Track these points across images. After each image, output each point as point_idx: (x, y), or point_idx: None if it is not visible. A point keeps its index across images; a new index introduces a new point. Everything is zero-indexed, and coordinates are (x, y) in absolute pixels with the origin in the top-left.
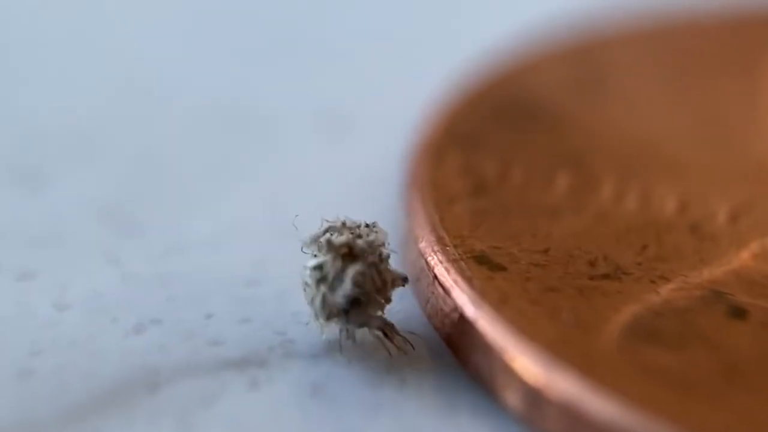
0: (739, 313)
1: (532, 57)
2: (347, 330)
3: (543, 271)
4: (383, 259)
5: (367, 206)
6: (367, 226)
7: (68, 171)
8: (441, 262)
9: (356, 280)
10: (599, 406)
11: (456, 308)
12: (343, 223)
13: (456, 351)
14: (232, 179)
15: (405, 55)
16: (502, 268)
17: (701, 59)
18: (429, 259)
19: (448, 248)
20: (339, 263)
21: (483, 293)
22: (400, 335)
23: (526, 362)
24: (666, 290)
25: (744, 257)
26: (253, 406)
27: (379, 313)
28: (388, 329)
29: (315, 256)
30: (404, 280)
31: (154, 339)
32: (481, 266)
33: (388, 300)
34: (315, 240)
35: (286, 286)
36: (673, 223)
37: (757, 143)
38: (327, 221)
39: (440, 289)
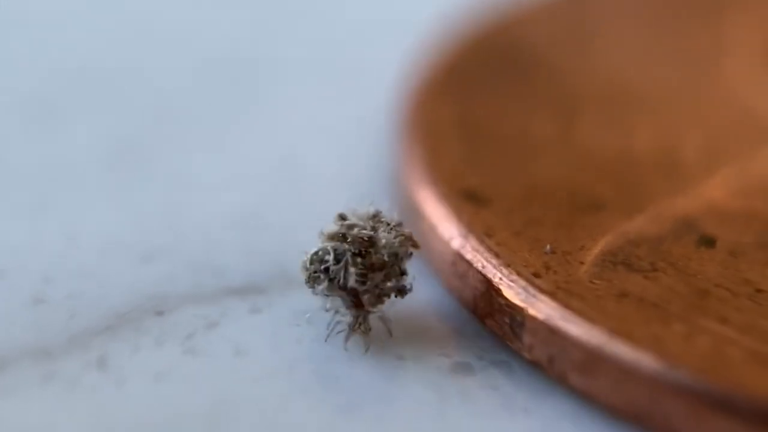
0: (708, 241)
1: (523, 8)
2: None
3: (527, 206)
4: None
5: (362, 148)
6: (388, 224)
7: (83, 110)
8: (429, 198)
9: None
10: (577, 329)
11: (444, 241)
12: (375, 215)
13: (445, 281)
14: (237, 122)
15: (395, 4)
16: (488, 203)
17: (674, 8)
18: (418, 195)
19: (436, 184)
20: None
21: (470, 226)
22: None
23: (509, 290)
24: (640, 221)
25: (714, 188)
26: (253, 329)
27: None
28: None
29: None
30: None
31: (161, 269)
32: (468, 201)
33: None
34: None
35: (286, 222)
36: (648, 158)
37: (722, 80)
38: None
39: (429, 224)
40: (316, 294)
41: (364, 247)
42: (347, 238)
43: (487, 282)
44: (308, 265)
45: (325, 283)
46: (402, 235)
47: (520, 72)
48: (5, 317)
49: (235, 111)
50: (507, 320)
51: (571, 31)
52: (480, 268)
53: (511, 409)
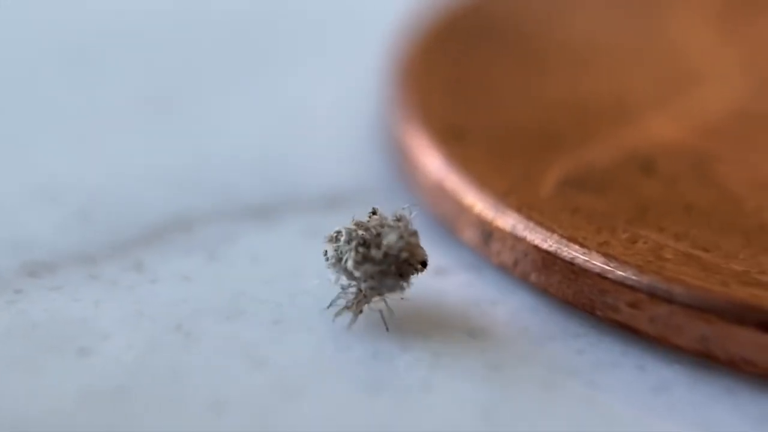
0: (649, 168)
1: None
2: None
3: (499, 141)
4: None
5: (360, 99)
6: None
7: (122, 62)
8: (417, 135)
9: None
10: (537, 236)
11: (429, 170)
12: (400, 219)
13: (427, 203)
14: (254, 74)
15: None
16: (467, 139)
17: None
18: (406, 134)
19: (423, 124)
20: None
21: (450, 157)
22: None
23: (481, 206)
24: (593, 152)
25: (655, 124)
26: (267, 243)
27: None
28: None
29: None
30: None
31: (189, 191)
32: (450, 138)
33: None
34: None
35: (297, 157)
36: (602, 101)
37: (663, 34)
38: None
39: (415, 156)
40: (328, 268)
41: (370, 239)
42: (363, 228)
43: (463, 201)
44: (326, 241)
45: (333, 259)
46: (408, 243)
47: (495, 39)
48: (56, 230)
49: (251, 64)
50: (479, 232)
51: (536, 2)
52: (458, 190)
53: (482, 303)
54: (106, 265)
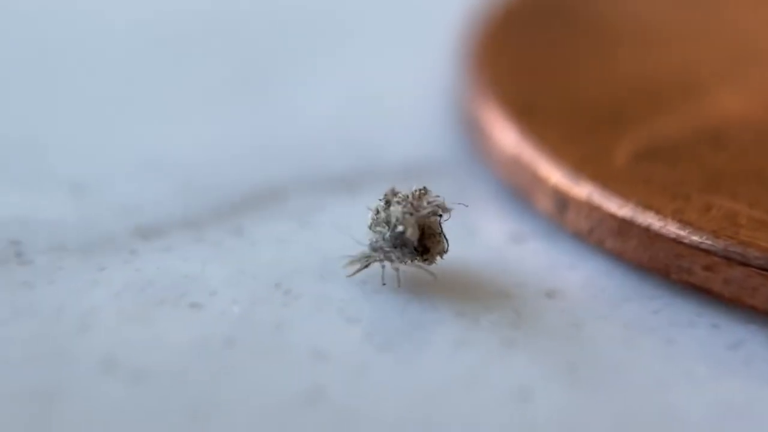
0: (720, 140)
1: None
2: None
3: (572, 117)
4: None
5: (433, 78)
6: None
7: (212, 47)
8: (492, 113)
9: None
10: (613, 204)
11: (504, 145)
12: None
13: (502, 176)
14: (330, 56)
15: None
16: (540, 116)
17: None
18: (482, 111)
19: (498, 102)
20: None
21: (525, 133)
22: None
23: (557, 177)
24: (664, 126)
25: (723, 100)
26: (352, 212)
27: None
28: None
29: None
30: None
31: (279, 163)
32: (524, 114)
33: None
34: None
35: (376, 132)
36: (671, 78)
37: (726, 15)
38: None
39: (490, 133)
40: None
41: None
42: (399, 198)
43: (539, 173)
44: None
45: (370, 220)
46: (405, 220)
47: (565, 18)
48: (162, 198)
49: (334, 44)
50: (554, 202)
51: None
52: (533, 163)
53: (558, 267)
54: (209, 229)
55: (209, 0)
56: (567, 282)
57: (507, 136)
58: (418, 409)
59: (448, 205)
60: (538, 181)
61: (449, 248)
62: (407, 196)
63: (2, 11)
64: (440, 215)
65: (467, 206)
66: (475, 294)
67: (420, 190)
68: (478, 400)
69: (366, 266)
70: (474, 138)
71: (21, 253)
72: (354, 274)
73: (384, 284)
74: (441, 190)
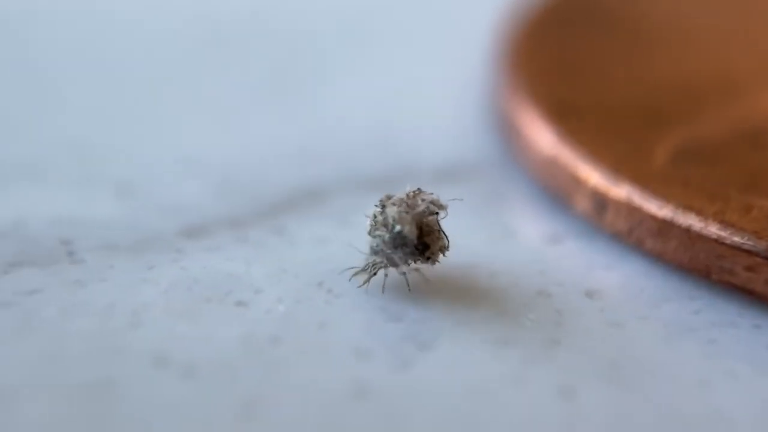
0: (759, 141)
1: None
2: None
3: (610, 117)
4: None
5: (467, 79)
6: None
7: (249, 49)
8: (529, 114)
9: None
10: (653, 205)
11: (541, 146)
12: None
13: (539, 176)
14: (366, 57)
15: None
16: (577, 117)
17: None
18: (518, 112)
19: (534, 103)
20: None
21: (562, 133)
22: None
23: (596, 179)
24: (702, 127)
25: (762, 100)
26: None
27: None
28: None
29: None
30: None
31: (321, 164)
32: (561, 116)
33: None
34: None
35: (412, 133)
36: (709, 80)
37: (764, 15)
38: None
39: (527, 134)
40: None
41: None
42: (393, 200)
43: (577, 174)
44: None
45: (368, 226)
46: (401, 218)
47: (600, 20)
48: (205, 198)
49: (370, 47)
50: (593, 203)
51: None
52: (571, 164)
53: (596, 267)
54: (252, 229)
55: (250, 3)
56: (606, 282)
57: (544, 137)
58: (462, 407)
59: (442, 201)
60: (576, 182)
61: (450, 245)
62: (402, 198)
63: (50, 17)
64: (436, 213)
65: (462, 200)
66: (515, 293)
67: (414, 190)
68: (522, 398)
69: (374, 273)
70: (510, 139)
71: (72, 252)
72: (364, 283)
73: (383, 293)
74: (476, 191)
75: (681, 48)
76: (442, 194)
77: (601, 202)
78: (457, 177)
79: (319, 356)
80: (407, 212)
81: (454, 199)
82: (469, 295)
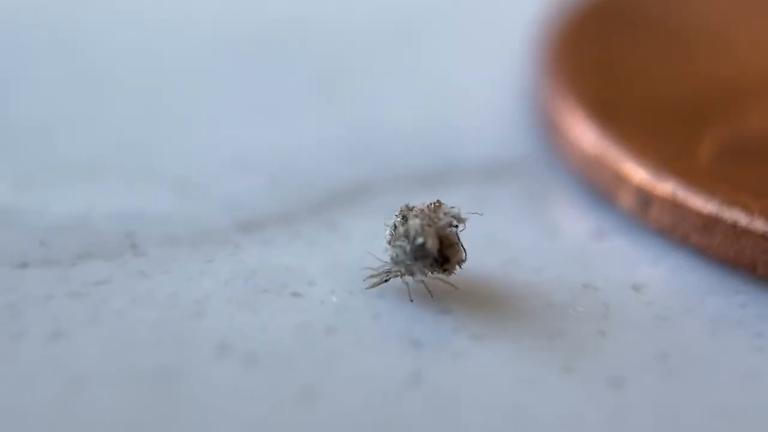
0: None
1: None
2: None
3: (652, 115)
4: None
5: (506, 78)
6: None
7: (298, 49)
8: (572, 113)
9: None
10: (698, 200)
11: (585, 145)
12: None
13: (584, 174)
14: (408, 58)
15: None
16: (618, 113)
17: None
18: (561, 112)
19: (577, 102)
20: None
21: (606, 132)
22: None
23: (641, 175)
24: (746, 122)
25: None
26: None
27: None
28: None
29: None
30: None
31: (368, 161)
32: (602, 111)
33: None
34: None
35: (456, 132)
36: (750, 73)
37: None
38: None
39: (571, 134)
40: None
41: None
42: (415, 212)
43: (621, 171)
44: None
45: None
46: (424, 231)
47: (640, 20)
48: (259, 194)
49: (415, 46)
50: (638, 199)
51: None
52: (616, 162)
53: (641, 262)
54: (304, 224)
55: (301, 5)
56: (651, 276)
57: (587, 135)
58: (514, 396)
59: (463, 215)
60: (620, 179)
61: (467, 257)
62: (423, 210)
63: (108, 19)
64: (456, 226)
65: (482, 215)
66: (561, 287)
67: (434, 203)
68: (572, 388)
69: (386, 281)
70: (553, 137)
71: (135, 245)
72: (372, 287)
73: (411, 300)
74: (520, 187)
75: (721, 46)
76: (487, 191)
77: (645, 198)
78: (501, 173)
79: (374, 345)
80: (430, 225)
81: (474, 213)
82: (516, 289)
